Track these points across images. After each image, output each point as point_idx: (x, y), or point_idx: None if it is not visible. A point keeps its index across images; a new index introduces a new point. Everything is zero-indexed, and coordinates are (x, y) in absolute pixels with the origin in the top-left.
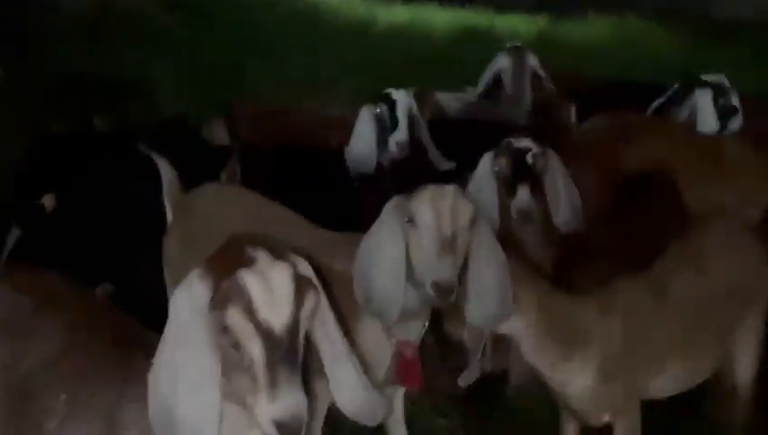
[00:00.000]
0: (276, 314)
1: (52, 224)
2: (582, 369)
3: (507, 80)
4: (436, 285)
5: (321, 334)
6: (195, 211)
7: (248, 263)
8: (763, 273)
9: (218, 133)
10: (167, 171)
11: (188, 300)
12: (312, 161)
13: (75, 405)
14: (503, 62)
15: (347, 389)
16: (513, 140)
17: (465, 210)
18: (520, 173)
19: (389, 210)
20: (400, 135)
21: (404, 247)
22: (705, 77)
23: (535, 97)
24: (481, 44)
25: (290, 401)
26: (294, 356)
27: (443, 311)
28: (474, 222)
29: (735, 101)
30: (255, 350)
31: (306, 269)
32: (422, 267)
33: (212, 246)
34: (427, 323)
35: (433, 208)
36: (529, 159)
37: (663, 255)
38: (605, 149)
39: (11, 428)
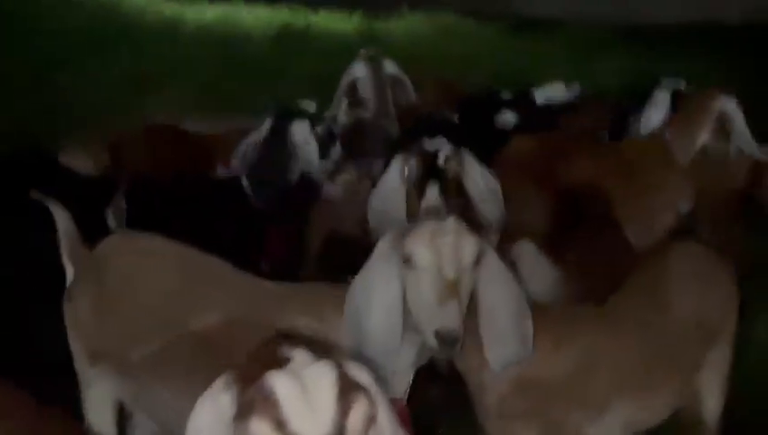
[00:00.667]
0: (311, 425)
1: None
2: None
3: (366, 90)
4: (439, 335)
5: None
6: (108, 268)
7: (281, 364)
8: (729, 302)
9: (79, 162)
10: (64, 221)
11: (211, 413)
12: (210, 190)
13: None
14: (358, 72)
15: None
16: (425, 141)
17: (469, 247)
18: (430, 174)
19: (384, 248)
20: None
21: (401, 291)
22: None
23: (404, 106)
24: (299, 44)
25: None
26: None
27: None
28: (480, 258)
29: None
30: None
31: (358, 373)
32: (423, 314)
33: (136, 309)
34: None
35: (433, 248)
36: (440, 160)
37: (618, 285)
38: (540, 165)
39: None
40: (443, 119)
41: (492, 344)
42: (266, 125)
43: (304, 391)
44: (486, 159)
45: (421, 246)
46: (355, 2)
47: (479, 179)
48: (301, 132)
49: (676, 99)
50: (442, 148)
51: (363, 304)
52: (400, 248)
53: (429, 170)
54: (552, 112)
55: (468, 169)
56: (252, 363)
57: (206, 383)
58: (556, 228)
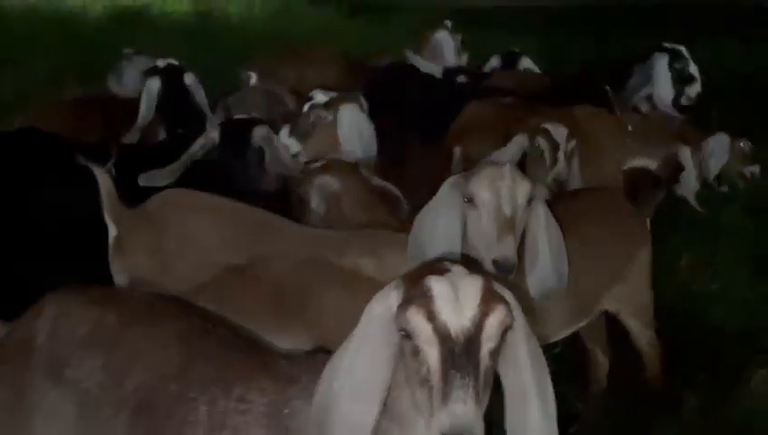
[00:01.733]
0: (457, 318)
1: None
2: None
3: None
4: (497, 263)
5: (507, 362)
6: (166, 222)
7: (441, 272)
8: (634, 236)
9: None
10: (106, 184)
11: (381, 309)
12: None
13: (221, 412)
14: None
15: (529, 431)
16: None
17: (523, 190)
18: None
19: (447, 190)
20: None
21: (461, 225)
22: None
23: None
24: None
25: (459, 411)
26: (472, 368)
27: None
28: (531, 201)
29: (693, 70)
30: (433, 354)
31: (504, 290)
32: (483, 246)
33: (200, 258)
34: None
35: (493, 189)
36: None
37: None
38: (499, 124)
39: None
40: None
41: (533, 275)
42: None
43: (455, 293)
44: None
45: (483, 188)
46: None
47: None
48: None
49: None
50: None
51: (427, 237)
52: (463, 189)
53: None
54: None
55: None
56: (419, 271)
57: (278, 325)
58: None
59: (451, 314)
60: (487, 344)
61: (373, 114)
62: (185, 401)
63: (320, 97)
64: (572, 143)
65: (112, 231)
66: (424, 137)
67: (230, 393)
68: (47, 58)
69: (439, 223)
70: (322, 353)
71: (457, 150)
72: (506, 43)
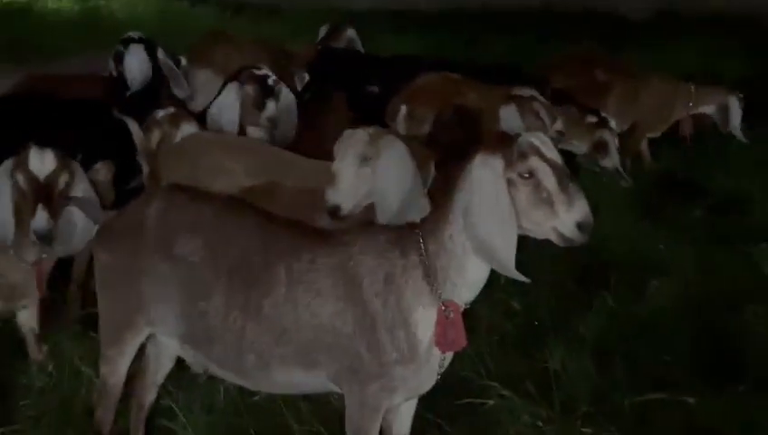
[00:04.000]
0: (556, 155)
1: None
2: None
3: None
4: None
5: None
6: (197, 156)
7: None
8: None
9: None
10: (138, 132)
11: (488, 170)
12: None
13: (297, 272)
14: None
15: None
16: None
17: None
18: (265, 93)
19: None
20: None
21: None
22: None
23: None
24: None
25: (583, 205)
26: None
27: None
28: None
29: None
30: (552, 179)
31: None
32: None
33: (225, 184)
34: None
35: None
36: (270, 82)
37: None
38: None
39: (238, 300)
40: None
41: None
42: None
43: (544, 142)
44: None
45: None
46: None
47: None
48: None
49: None
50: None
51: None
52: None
53: (264, 89)
54: None
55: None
56: (496, 141)
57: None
58: None
59: (552, 154)
60: None
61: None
62: (267, 266)
63: None
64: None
65: (145, 168)
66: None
67: (300, 258)
68: None
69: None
70: (370, 224)
71: (403, 108)
72: (390, 44)
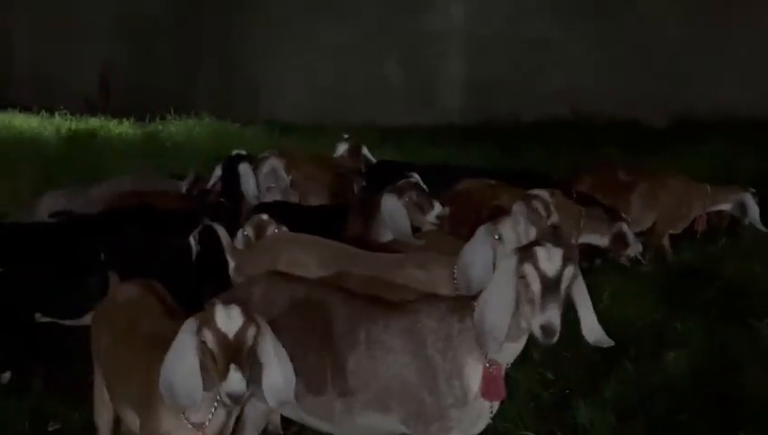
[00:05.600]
0: (549, 268)
1: None
2: None
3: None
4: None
5: (574, 290)
6: (276, 251)
7: (539, 244)
8: None
9: None
10: (224, 234)
11: (508, 265)
12: None
13: (374, 334)
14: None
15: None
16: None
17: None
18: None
19: (483, 231)
20: None
21: (492, 253)
22: None
23: None
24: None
25: (552, 313)
26: (558, 293)
27: None
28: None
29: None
30: (536, 286)
31: (573, 253)
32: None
33: (307, 270)
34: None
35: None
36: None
37: None
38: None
39: (328, 358)
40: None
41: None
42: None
43: (548, 254)
44: None
45: (509, 230)
46: (127, 110)
47: None
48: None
49: None
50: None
51: (470, 264)
52: (494, 232)
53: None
54: None
55: None
56: (525, 247)
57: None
58: None
59: (546, 266)
60: (565, 282)
61: None
62: (351, 330)
63: None
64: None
65: (231, 262)
66: None
67: (377, 323)
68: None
69: (478, 254)
70: (432, 295)
71: (447, 210)
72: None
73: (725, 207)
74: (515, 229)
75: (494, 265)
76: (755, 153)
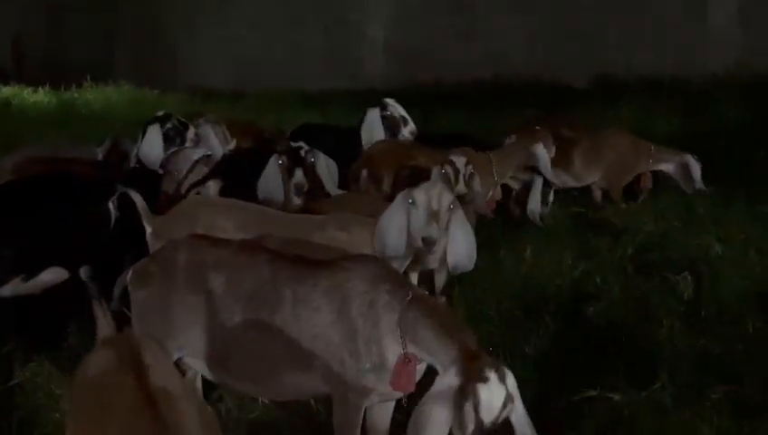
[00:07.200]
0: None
1: None
2: None
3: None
4: (424, 239)
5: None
6: (194, 216)
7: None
8: None
9: None
10: (140, 201)
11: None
12: None
13: (299, 294)
14: None
15: None
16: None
17: (446, 199)
18: (296, 163)
19: (399, 199)
20: None
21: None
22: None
23: None
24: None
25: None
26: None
27: None
28: (452, 207)
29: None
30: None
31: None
32: (418, 229)
33: (224, 234)
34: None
35: (427, 196)
36: (302, 153)
37: None
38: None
39: (253, 319)
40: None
41: (451, 256)
42: None
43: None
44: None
45: (422, 195)
46: (43, 79)
47: (324, 164)
48: None
49: None
50: (303, 145)
51: (387, 225)
52: (409, 198)
53: (295, 159)
54: None
55: (319, 159)
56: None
57: None
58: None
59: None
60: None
61: None
62: (276, 290)
63: None
64: (470, 168)
65: (148, 228)
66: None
67: (305, 283)
68: None
69: (394, 217)
70: (366, 256)
71: (365, 171)
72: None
73: (668, 167)
74: (428, 194)
75: (408, 230)
76: (669, 114)
